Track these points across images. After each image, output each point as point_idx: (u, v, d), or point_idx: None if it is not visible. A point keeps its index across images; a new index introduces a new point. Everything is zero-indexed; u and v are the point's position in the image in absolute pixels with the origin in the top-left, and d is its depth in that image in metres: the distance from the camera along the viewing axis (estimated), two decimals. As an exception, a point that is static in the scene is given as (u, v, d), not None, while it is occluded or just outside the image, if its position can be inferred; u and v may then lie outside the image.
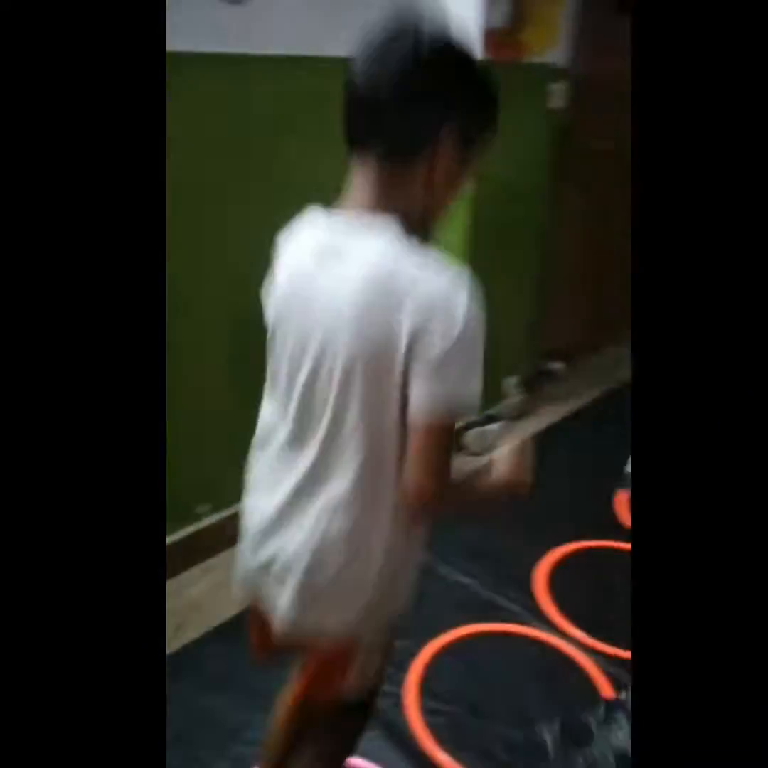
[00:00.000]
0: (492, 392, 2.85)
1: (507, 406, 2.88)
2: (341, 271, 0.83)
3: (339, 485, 0.88)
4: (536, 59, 2.42)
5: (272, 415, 0.97)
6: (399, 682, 1.63)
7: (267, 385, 0.99)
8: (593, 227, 3.08)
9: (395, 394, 0.82)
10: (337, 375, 0.84)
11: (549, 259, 2.92)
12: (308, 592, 0.92)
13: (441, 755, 1.48)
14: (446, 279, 0.81)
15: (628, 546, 2.14)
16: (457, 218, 2.22)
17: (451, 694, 1.63)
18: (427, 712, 1.58)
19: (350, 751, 1.23)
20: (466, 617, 1.83)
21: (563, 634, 1.81)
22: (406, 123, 0.82)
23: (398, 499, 0.87)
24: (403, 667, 1.66)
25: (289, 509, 0.93)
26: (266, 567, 0.96)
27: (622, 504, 2.34)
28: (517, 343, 2.94)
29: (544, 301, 3.01)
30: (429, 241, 0.86)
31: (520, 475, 0.95)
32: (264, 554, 0.96)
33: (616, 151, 3.07)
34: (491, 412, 2.77)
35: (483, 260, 2.50)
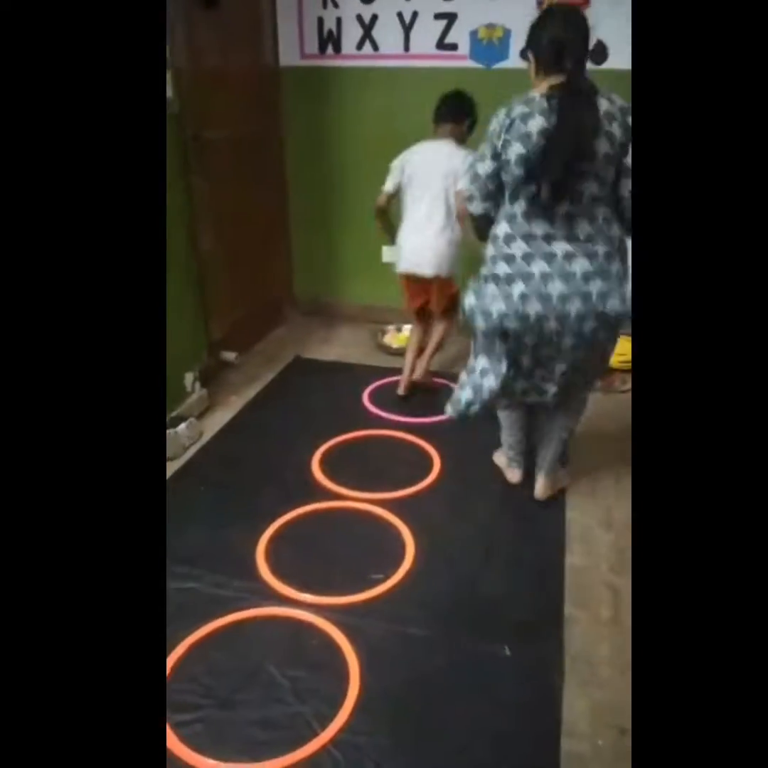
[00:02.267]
0: (174, 392, 2.80)
1: (190, 404, 2.85)
2: (440, 155, 2.76)
3: (439, 220, 2.80)
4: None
5: (412, 211, 2.85)
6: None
7: (408, 202, 2.86)
8: (226, 216, 3.14)
9: (452, 189, 2.66)
10: (441, 183, 2.75)
11: (199, 252, 2.93)
12: (437, 261, 2.83)
13: (201, 759, 1.48)
14: (466, 154, 2.61)
15: (330, 505, 2.31)
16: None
17: (199, 699, 1.62)
18: (180, 726, 1.55)
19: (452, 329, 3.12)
20: (195, 622, 1.81)
21: (294, 603, 1.89)
22: (459, 116, 2.80)
23: (455, 217, 2.60)
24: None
25: (426, 233, 2.82)
26: (420, 256, 2.85)
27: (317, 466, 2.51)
28: (190, 339, 2.92)
29: (205, 295, 3.03)
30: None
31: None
32: (419, 254, 2.85)
33: (232, 140, 3.17)
34: (175, 413, 2.72)
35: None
